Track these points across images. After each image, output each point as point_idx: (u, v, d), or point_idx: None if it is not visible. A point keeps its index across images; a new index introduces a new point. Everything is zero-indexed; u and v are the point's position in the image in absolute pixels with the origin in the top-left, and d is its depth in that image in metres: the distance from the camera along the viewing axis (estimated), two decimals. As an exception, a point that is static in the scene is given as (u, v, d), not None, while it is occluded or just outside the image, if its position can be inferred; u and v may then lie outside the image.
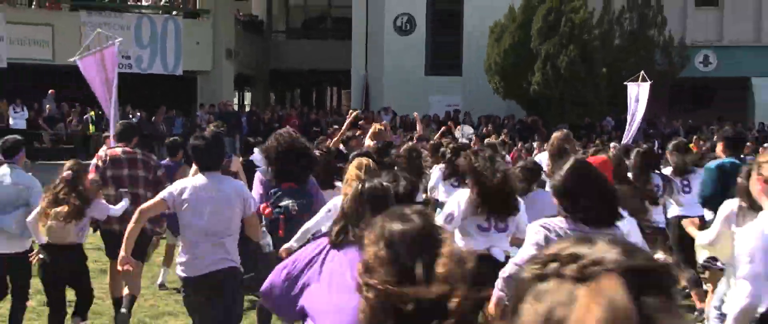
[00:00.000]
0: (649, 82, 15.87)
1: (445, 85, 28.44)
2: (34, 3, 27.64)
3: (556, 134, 8.08)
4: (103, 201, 6.76)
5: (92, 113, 24.82)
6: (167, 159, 9.10)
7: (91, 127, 24.42)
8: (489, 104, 26.67)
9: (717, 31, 30.19)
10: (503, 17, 26.33)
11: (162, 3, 29.72)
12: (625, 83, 15.91)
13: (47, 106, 24.46)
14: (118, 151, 7.48)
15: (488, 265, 4.91)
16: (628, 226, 4.36)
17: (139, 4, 28.89)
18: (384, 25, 29.02)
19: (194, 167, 6.83)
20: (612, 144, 14.94)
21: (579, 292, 1.06)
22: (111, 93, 11.03)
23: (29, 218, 6.37)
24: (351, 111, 13.24)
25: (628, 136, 15.22)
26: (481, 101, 26.74)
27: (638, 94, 15.89)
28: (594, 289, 1.06)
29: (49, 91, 24.78)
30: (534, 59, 25.09)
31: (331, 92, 38.49)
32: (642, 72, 16.13)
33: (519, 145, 19.77)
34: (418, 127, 15.95)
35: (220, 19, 30.13)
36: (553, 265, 1.26)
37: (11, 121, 22.88)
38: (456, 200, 5.62)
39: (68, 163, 6.77)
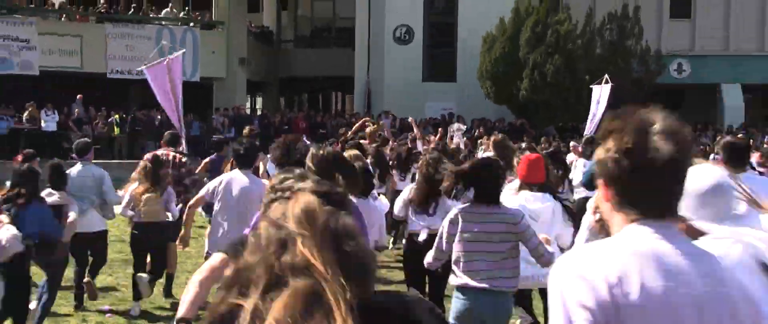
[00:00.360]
0: (609, 84, 15.88)
1: (440, 90, 28.31)
2: (64, 16, 27.65)
3: (494, 137, 9.21)
4: (172, 190, 7.68)
5: (116, 116, 24.89)
6: (214, 154, 10.41)
7: (116, 129, 24.50)
8: (481, 108, 26.59)
9: (689, 41, 30.11)
10: (494, 28, 26.20)
11: (181, 15, 29.59)
12: (590, 87, 16.08)
13: (76, 109, 24.34)
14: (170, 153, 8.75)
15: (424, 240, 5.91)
16: (551, 204, 5.74)
17: (159, 16, 28.84)
18: (384, 36, 28.93)
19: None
20: (571, 143, 15.01)
21: (289, 202, 1.60)
22: (177, 98, 11.50)
23: (123, 203, 7.41)
24: (364, 120, 13.63)
25: (588, 133, 15.16)
26: (473, 106, 26.63)
27: (600, 95, 15.90)
28: (296, 197, 1.62)
29: (78, 96, 24.67)
30: (522, 67, 25.00)
31: (335, 97, 38.32)
32: (606, 75, 16.22)
33: (553, 144, 19.89)
34: (415, 130, 15.98)
35: (234, 30, 30.07)
36: (279, 193, 2.02)
37: (43, 124, 22.87)
38: (405, 192, 6.59)
39: (147, 156, 8.04)
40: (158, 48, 12.13)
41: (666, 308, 1.83)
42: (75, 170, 7.46)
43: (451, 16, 29.00)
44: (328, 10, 36.10)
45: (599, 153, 1.96)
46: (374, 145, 10.68)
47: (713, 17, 29.94)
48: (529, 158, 6.15)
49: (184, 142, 10.66)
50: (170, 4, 29.96)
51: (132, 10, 28.86)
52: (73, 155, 8.06)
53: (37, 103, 23.20)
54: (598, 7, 28.26)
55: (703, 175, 2.54)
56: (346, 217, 1.62)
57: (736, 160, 5.33)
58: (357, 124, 12.49)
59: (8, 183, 6.39)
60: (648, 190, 1.90)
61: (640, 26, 27.29)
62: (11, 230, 5.57)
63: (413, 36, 29.03)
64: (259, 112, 31.35)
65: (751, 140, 23.24)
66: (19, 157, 7.74)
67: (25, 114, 22.94)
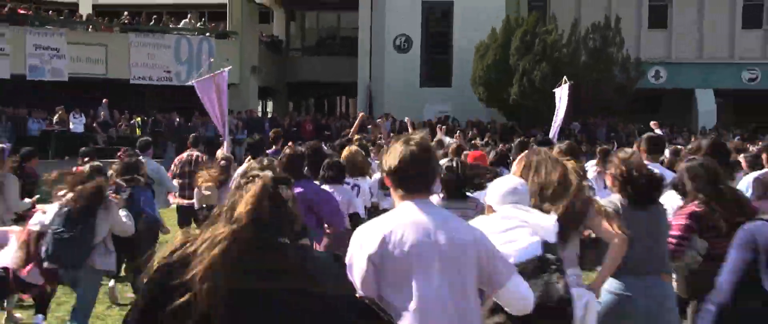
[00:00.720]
0: (568, 83, 15.61)
1: (437, 94, 28.22)
2: (90, 27, 27.61)
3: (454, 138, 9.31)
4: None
5: (138, 119, 24.89)
6: (273, 148, 10.35)
7: (138, 130, 24.48)
8: (474, 111, 26.50)
9: (666, 49, 30.06)
10: (486, 37, 26.11)
11: (197, 26, 29.62)
12: (553, 90, 15.67)
13: (101, 112, 24.24)
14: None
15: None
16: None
17: (178, 27, 28.80)
18: (385, 44, 28.79)
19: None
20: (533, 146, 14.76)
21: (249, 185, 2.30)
22: (223, 108, 11.68)
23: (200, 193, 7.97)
24: (360, 113, 13.80)
25: (553, 133, 14.87)
26: (467, 109, 26.59)
27: (561, 96, 15.48)
28: (256, 181, 2.28)
29: (103, 101, 24.57)
30: (512, 74, 24.90)
31: (340, 101, 38.18)
32: (564, 76, 16.13)
33: (500, 146, 19.87)
34: (410, 129, 15.85)
35: (246, 40, 30.00)
36: (248, 177, 2.38)
37: (71, 126, 22.83)
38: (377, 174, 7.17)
39: (218, 153, 8.89)
40: (208, 64, 12.39)
41: (414, 255, 2.75)
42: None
43: (446, 26, 28.93)
44: (332, 21, 36.03)
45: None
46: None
47: (687, 27, 29.94)
48: (474, 155, 7.01)
49: (226, 144, 10.79)
50: (188, 16, 30.03)
51: (153, 21, 28.78)
52: (137, 151, 8.61)
53: (66, 106, 23.20)
54: (582, 18, 28.23)
55: (508, 181, 3.59)
56: (286, 190, 2.38)
57: (653, 150, 5.98)
58: (357, 122, 12.56)
59: (110, 172, 6.66)
60: (407, 177, 2.85)
61: (620, 36, 27.19)
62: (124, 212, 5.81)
63: (412, 44, 28.92)
64: (269, 115, 31.29)
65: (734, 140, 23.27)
66: (120, 153, 8.69)
67: (56, 117, 22.92)
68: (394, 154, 2.86)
